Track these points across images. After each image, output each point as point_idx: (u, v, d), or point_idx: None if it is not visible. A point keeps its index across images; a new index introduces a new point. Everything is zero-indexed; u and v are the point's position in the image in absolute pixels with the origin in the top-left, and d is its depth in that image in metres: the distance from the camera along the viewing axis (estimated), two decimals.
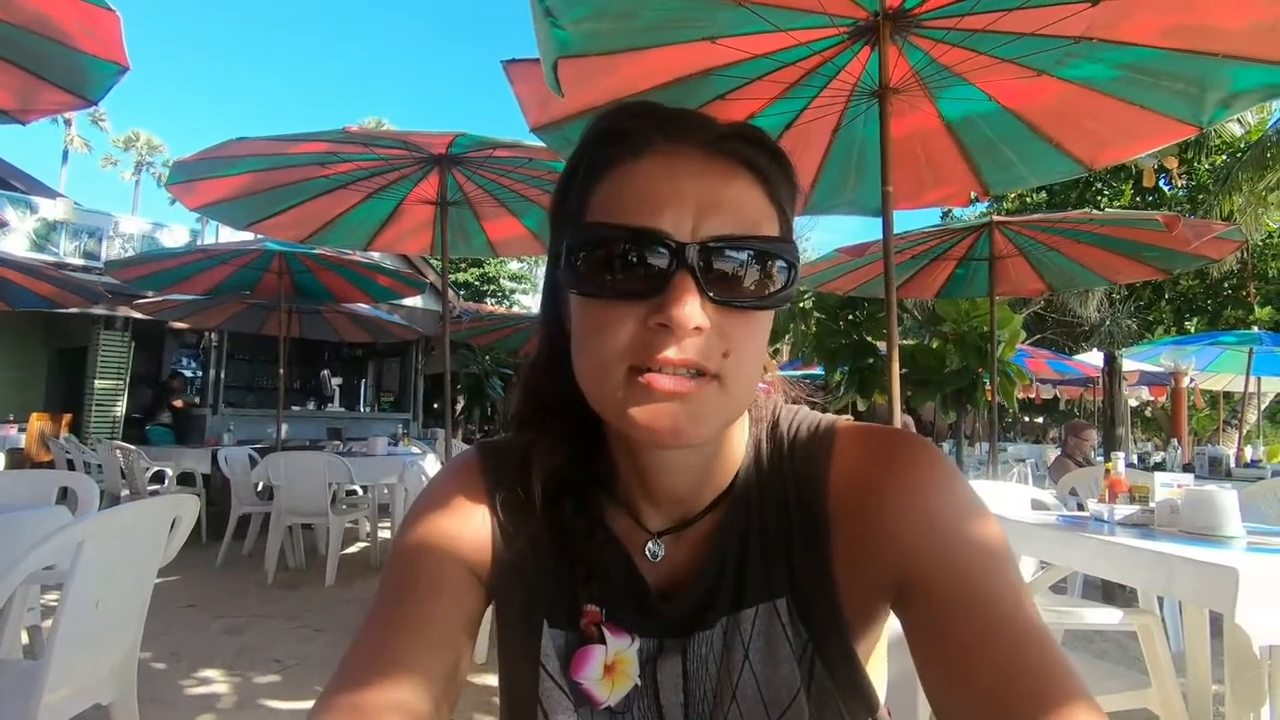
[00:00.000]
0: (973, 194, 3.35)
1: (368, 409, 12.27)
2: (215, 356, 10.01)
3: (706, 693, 0.56)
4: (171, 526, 1.83)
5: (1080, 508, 3.01)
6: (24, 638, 2.29)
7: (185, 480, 6.48)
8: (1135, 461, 6.10)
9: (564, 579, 0.58)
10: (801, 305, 9.21)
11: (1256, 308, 13.76)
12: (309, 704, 0.49)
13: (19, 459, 8.34)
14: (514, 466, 0.60)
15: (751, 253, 0.49)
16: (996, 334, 5.56)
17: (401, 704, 0.47)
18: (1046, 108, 2.73)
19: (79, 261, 9.84)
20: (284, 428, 6.81)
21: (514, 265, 23.61)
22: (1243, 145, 12.60)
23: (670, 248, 0.47)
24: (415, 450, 6.11)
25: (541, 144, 3.01)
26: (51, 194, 11.57)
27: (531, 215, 4.54)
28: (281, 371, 6.52)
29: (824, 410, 0.65)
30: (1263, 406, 13.41)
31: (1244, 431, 9.47)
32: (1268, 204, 10.52)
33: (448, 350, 4.43)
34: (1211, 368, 9.23)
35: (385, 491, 5.68)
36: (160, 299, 7.06)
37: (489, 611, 0.62)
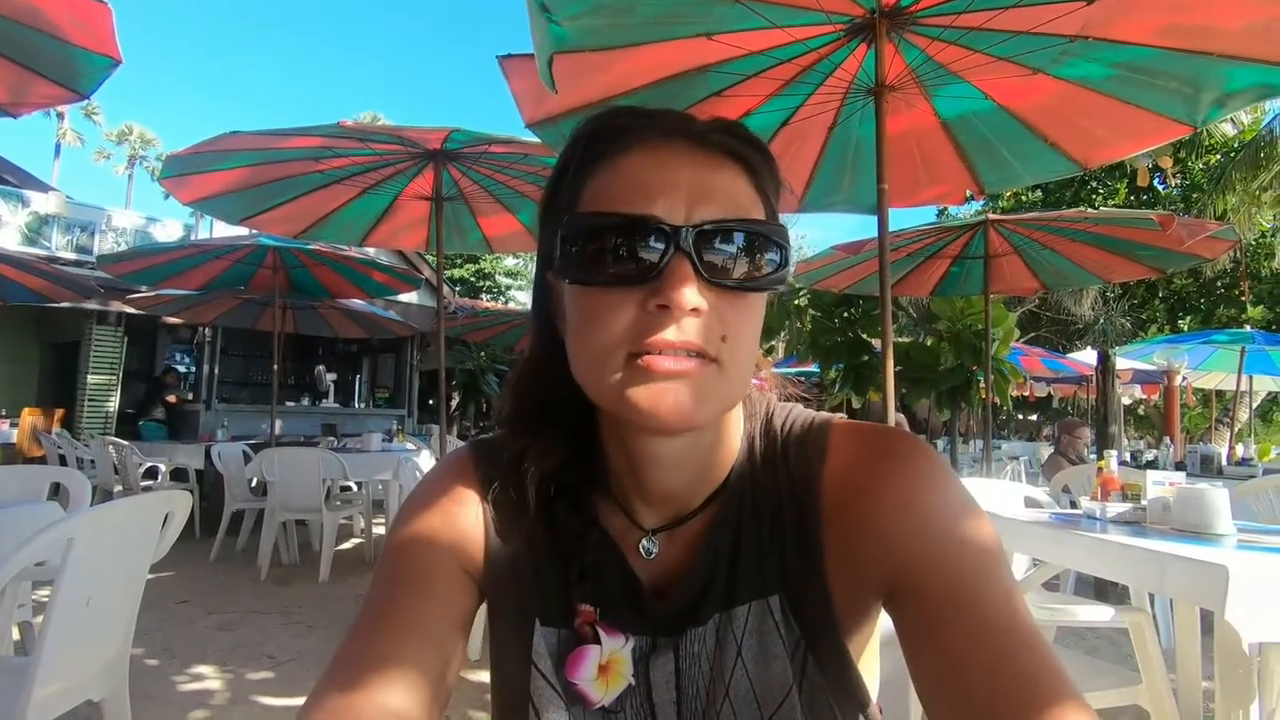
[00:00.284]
0: (968, 192, 3.35)
1: (362, 405, 12.22)
2: (209, 352, 9.95)
3: (699, 690, 0.56)
4: (164, 523, 1.82)
5: (1073, 505, 3.02)
6: (15, 634, 2.29)
7: (178, 476, 6.46)
8: (1128, 459, 6.12)
9: (557, 578, 0.58)
10: (797, 302, 9.22)
11: (1249, 306, 13.87)
12: (302, 700, 0.49)
13: (10, 454, 8.32)
14: (508, 467, 0.60)
15: (745, 236, 0.50)
16: (991, 332, 5.56)
17: (392, 703, 0.47)
18: (1042, 106, 2.73)
19: (71, 256, 9.77)
20: (278, 423, 6.79)
21: (509, 261, 23.62)
22: (1236, 145, 12.69)
23: (665, 232, 0.48)
24: (410, 446, 6.10)
25: (537, 140, 3.00)
26: (44, 188, 11.50)
27: (527, 211, 4.52)
28: (276, 367, 6.50)
29: (819, 408, 0.65)
30: (1254, 405, 13.48)
31: (1236, 430, 9.53)
32: (1261, 203, 10.59)
33: (442, 346, 4.41)
34: (1204, 366, 9.28)
35: (380, 487, 5.68)
36: (154, 294, 7.00)
37: (482, 608, 0.61)
